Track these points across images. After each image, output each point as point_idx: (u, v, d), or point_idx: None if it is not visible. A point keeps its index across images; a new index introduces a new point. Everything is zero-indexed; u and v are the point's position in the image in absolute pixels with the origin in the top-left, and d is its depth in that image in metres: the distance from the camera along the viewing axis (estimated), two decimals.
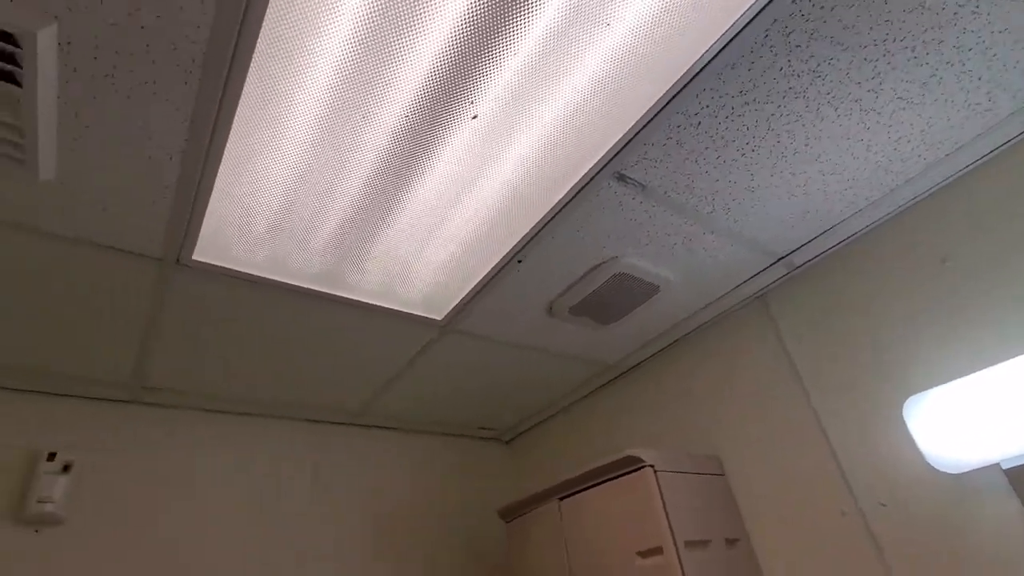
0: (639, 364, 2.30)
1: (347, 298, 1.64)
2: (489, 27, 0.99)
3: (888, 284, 1.59)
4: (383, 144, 1.18)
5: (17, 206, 1.18)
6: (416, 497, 2.51)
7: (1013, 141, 1.39)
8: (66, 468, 1.75)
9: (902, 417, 1.47)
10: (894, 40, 1.11)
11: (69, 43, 0.91)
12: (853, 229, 1.65)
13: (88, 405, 1.92)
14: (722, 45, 1.07)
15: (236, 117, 1.07)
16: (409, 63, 1.03)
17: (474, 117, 1.12)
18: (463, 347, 1.99)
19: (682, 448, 2.04)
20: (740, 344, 1.94)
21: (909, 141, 1.36)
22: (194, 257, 1.39)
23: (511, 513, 2.14)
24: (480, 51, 1.02)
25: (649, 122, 1.21)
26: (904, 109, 1.27)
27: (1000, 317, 1.35)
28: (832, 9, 1.04)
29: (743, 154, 1.33)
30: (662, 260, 1.66)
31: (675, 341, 2.15)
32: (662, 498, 1.60)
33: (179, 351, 1.76)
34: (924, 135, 1.35)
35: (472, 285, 1.67)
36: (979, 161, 1.44)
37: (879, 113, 1.27)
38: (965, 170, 1.47)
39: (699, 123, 1.23)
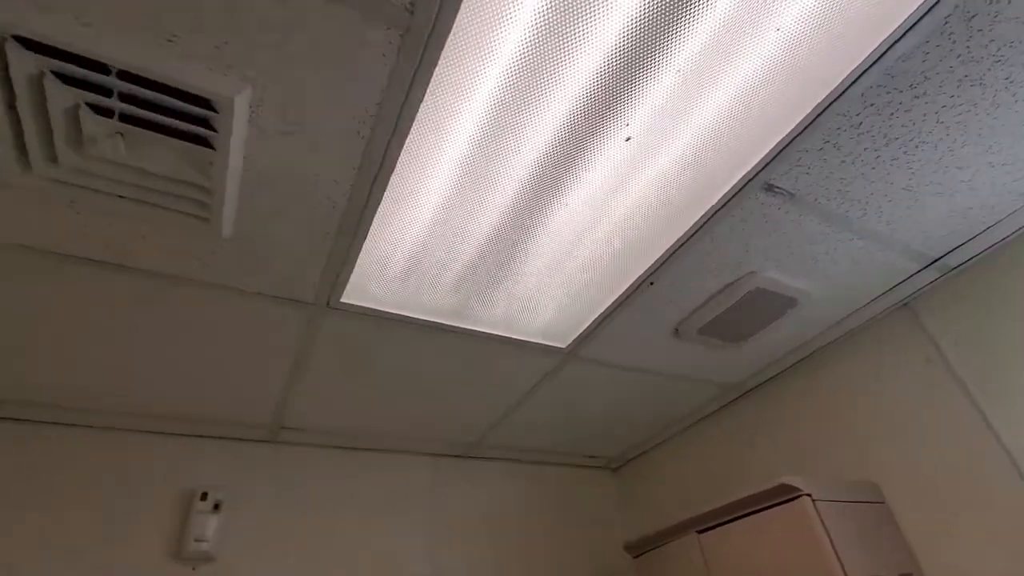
0: (765, 382, 2.16)
1: (474, 330, 1.64)
2: (648, 42, 0.97)
3: None
4: (523, 176, 1.19)
5: (197, 263, 1.27)
6: (529, 527, 2.46)
7: None
8: (216, 507, 1.83)
9: None
10: None
11: (260, 104, 0.97)
12: (1020, 223, 1.49)
13: (231, 445, 2.02)
14: (896, 38, 1.00)
15: (398, 162, 1.11)
16: (561, 87, 1.02)
17: (628, 139, 1.10)
18: (582, 374, 1.94)
19: (826, 473, 1.88)
20: (886, 356, 1.78)
21: None
22: (343, 300, 1.43)
23: (641, 547, 2.04)
24: (638, 68, 1.01)
25: (805, 128, 1.15)
26: None
27: None
28: None
29: (906, 151, 1.24)
30: (802, 272, 1.56)
31: (809, 355, 2.01)
32: (826, 531, 1.46)
33: (318, 390, 1.82)
34: None
35: (600, 311, 1.64)
36: None
37: None
38: None
39: (860, 123, 1.16)
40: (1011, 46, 1.05)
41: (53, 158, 0.97)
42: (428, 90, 0.98)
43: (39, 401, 1.69)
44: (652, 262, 1.47)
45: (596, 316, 1.65)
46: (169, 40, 0.85)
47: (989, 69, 1.09)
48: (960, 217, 1.45)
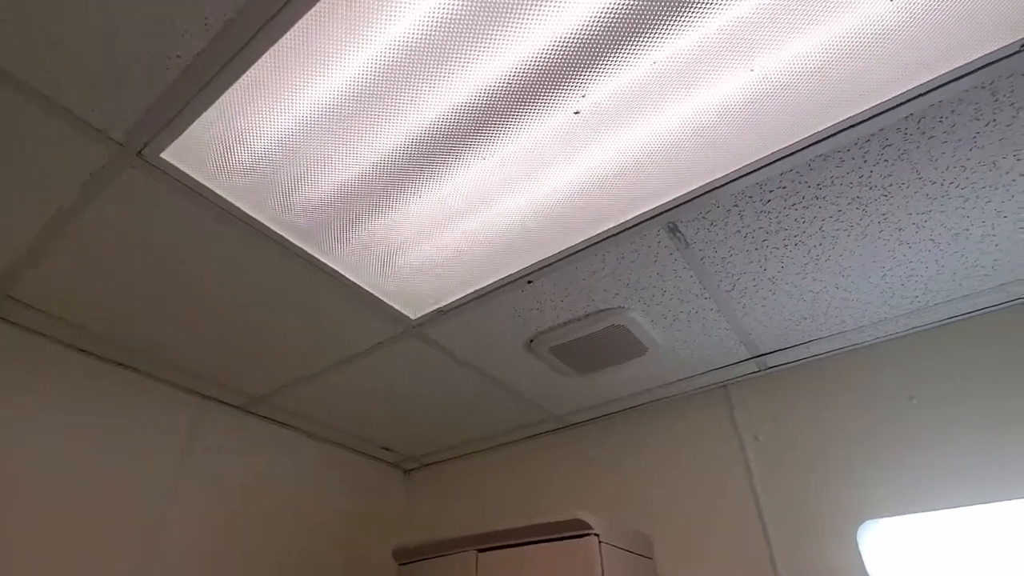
0: (586, 422, 2.20)
1: (319, 260, 1.39)
2: (625, 26, 0.89)
3: (855, 406, 1.65)
4: (435, 116, 1.02)
5: None
6: (295, 513, 2.16)
7: (991, 309, 1.54)
8: None
9: (854, 540, 1.49)
10: (958, 186, 1.18)
11: None
12: (833, 347, 1.72)
13: None
14: (833, 132, 1.06)
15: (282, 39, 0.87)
16: (514, 27, 0.90)
17: (576, 112, 1.01)
18: (418, 354, 1.77)
19: (614, 520, 1.95)
20: (696, 427, 1.92)
21: (917, 281, 1.45)
22: (162, 155, 1.09)
23: (410, 555, 1.89)
24: (607, 45, 0.92)
25: (727, 183, 1.17)
26: (930, 251, 1.35)
27: (959, 463, 1.43)
28: (930, 138, 1.08)
29: (786, 245, 1.33)
30: (663, 323, 1.61)
31: (632, 408, 2.09)
32: (603, 573, 1.47)
33: (80, 256, 1.38)
34: (930, 280, 1.45)
35: (465, 293, 1.50)
36: (960, 317, 1.58)
37: (910, 247, 1.34)
38: (947, 321, 1.59)
39: (768, 201, 1.21)
40: (900, 187, 1.18)
41: None
42: None
43: None
44: (538, 260, 1.38)
45: (459, 297, 1.51)
46: None
47: (876, 199, 1.22)
48: (794, 323, 1.62)
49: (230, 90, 0.98)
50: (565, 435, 2.24)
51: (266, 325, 1.62)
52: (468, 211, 1.25)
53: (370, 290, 1.48)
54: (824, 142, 1.08)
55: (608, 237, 1.31)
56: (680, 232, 1.29)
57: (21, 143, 1.08)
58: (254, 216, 1.25)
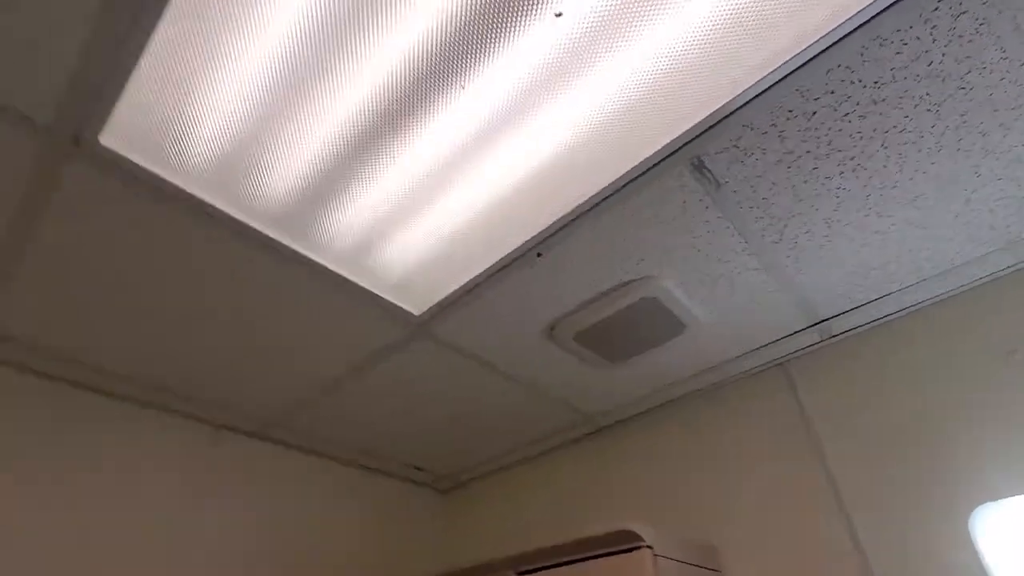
0: (627, 420, 1.96)
1: (303, 255, 1.23)
2: None
3: (944, 371, 1.37)
4: (406, 60, 0.86)
5: None
6: (323, 539, 1.99)
7: None
8: None
9: (967, 530, 1.20)
10: None
11: None
12: (908, 302, 1.44)
13: None
14: (886, 4, 0.84)
15: None
16: None
17: (558, 15, 0.82)
18: (432, 358, 1.59)
19: (670, 529, 1.69)
20: (753, 416, 1.66)
21: (1010, 204, 1.18)
22: (101, 139, 0.96)
23: None
24: None
25: (761, 94, 0.95)
26: (1022, 165, 1.09)
27: None
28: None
29: (841, 172, 1.10)
30: (700, 292, 1.38)
31: (676, 399, 1.84)
32: None
33: (43, 277, 1.26)
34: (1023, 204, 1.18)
35: (469, 278, 1.32)
36: None
37: (998, 159, 1.09)
38: None
39: (814, 113, 0.99)
40: (981, 73, 0.94)
41: None
42: None
43: None
44: (543, 228, 1.19)
45: (463, 283, 1.33)
46: None
47: (952, 95, 0.98)
48: (860, 276, 1.36)
49: (151, 47, 0.84)
50: (607, 437, 2.00)
51: (265, 337, 1.47)
52: (455, 177, 1.08)
53: (367, 286, 1.32)
54: (879, 18, 0.86)
55: (623, 186, 1.10)
56: (708, 169, 1.08)
57: None
58: (225, 210, 1.11)
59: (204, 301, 1.34)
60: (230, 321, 1.40)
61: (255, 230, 1.16)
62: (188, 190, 1.06)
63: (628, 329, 1.46)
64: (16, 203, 1.07)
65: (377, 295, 1.35)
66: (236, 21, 0.83)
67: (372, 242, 1.21)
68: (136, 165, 1.00)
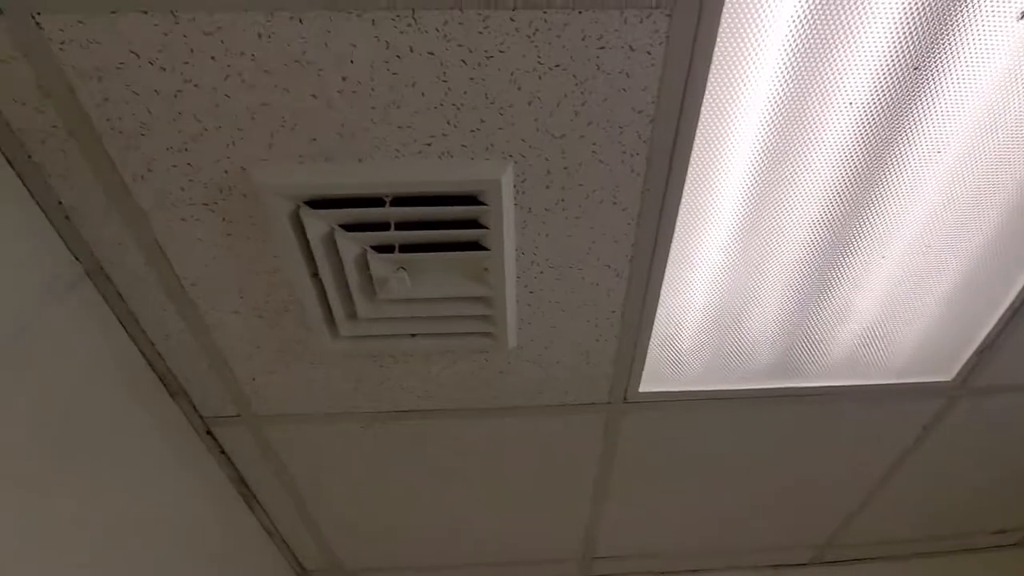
0: None
1: (808, 387, 1.23)
2: None
3: None
4: (836, 168, 0.85)
5: (486, 387, 1.16)
6: None
7: None
8: None
9: None
10: None
11: (523, 181, 0.84)
12: None
13: None
14: None
15: (681, 206, 0.88)
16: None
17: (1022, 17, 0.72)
18: (982, 411, 1.34)
19: None
20: None
21: None
22: (641, 390, 1.19)
23: None
24: None
25: None
26: None
27: None
28: None
29: None
30: None
31: None
32: None
33: (628, 504, 1.54)
34: None
35: (999, 314, 1.11)
36: None
37: None
38: None
39: None
40: None
41: (353, 314, 0.95)
42: (708, 81, 0.75)
43: None
44: None
45: (996, 320, 1.12)
46: (427, 144, 0.78)
47: None
48: None
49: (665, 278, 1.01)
50: None
51: (785, 479, 1.47)
52: (941, 238, 0.97)
53: (880, 381, 1.23)
54: None
55: None
56: None
57: None
58: (727, 388, 1.22)
59: (750, 464, 1.43)
60: (757, 478, 1.46)
61: (763, 388, 1.22)
62: (707, 388, 1.20)
63: None
64: (596, 459, 1.37)
65: (896, 383, 1.24)
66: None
67: (864, 344, 1.15)
68: (670, 392, 1.19)
